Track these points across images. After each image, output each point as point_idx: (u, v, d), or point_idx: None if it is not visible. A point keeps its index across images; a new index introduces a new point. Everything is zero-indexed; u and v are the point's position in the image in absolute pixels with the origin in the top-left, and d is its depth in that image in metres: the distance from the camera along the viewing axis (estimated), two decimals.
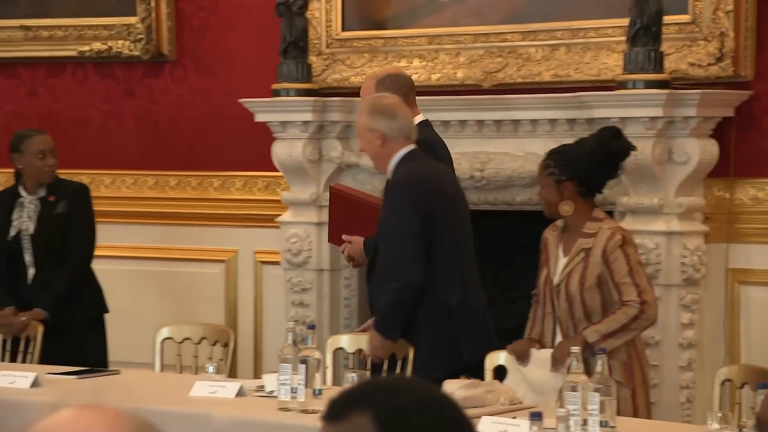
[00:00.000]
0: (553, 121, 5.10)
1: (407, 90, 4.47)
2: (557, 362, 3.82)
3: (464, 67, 5.39)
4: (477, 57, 5.37)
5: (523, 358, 3.95)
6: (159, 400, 3.70)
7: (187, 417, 3.54)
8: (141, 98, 6.15)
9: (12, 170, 5.12)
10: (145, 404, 3.52)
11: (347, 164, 5.56)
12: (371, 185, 5.25)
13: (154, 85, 6.13)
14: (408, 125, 4.14)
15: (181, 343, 4.59)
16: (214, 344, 4.59)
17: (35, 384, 3.86)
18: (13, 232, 4.93)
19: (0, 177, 6.23)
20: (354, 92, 5.60)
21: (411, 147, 4.12)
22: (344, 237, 4.41)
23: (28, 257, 4.92)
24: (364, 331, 4.30)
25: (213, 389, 3.74)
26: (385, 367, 4.15)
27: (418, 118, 4.43)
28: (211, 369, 3.90)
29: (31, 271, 4.92)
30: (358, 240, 4.37)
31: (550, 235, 4.05)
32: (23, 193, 4.97)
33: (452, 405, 1.31)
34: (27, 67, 6.31)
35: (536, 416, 2.81)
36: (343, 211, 4.51)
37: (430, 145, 4.33)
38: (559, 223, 4.04)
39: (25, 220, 4.93)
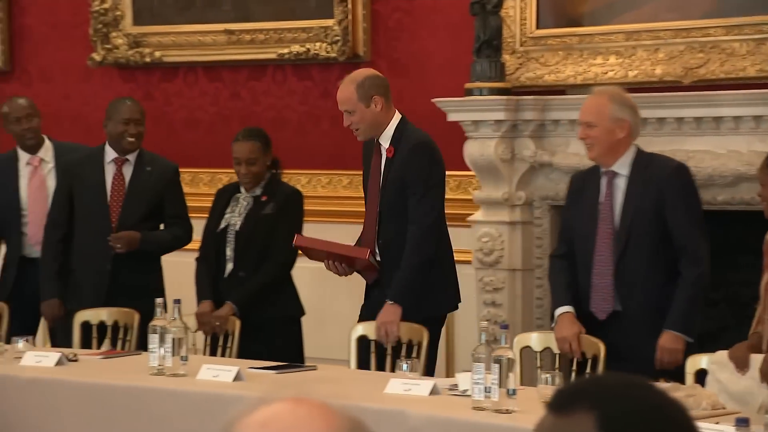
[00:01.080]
0: (757, 118, 4.92)
1: (385, 90, 4.53)
2: (766, 376, 3.63)
3: (663, 64, 5.25)
4: (677, 53, 5.22)
5: (742, 365, 3.75)
6: (355, 396, 3.74)
7: (383, 414, 3.58)
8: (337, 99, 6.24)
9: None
10: (342, 400, 3.57)
11: (540, 163, 5.50)
12: (564, 183, 5.18)
13: None
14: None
15: (375, 341, 4.64)
16: (407, 342, 4.62)
17: (238, 378, 3.98)
18: (222, 225, 5.06)
19: (205, 176, 6.47)
20: (548, 91, 5.53)
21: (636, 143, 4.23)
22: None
23: (229, 252, 5.01)
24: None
25: (407, 387, 3.77)
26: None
27: (397, 117, 4.48)
28: (405, 367, 3.94)
29: (229, 266, 5.01)
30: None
31: None
32: (242, 189, 5.09)
33: (682, 416, 1.25)
34: (230, 69, 6.51)
35: (743, 422, 2.71)
36: (317, 255, 4.62)
37: (429, 146, 4.32)
38: None
39: (235, 215, 5.04)
